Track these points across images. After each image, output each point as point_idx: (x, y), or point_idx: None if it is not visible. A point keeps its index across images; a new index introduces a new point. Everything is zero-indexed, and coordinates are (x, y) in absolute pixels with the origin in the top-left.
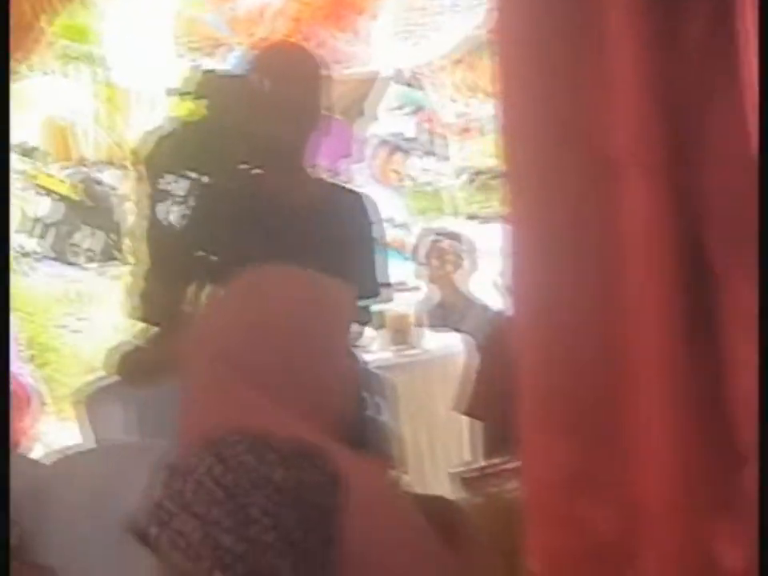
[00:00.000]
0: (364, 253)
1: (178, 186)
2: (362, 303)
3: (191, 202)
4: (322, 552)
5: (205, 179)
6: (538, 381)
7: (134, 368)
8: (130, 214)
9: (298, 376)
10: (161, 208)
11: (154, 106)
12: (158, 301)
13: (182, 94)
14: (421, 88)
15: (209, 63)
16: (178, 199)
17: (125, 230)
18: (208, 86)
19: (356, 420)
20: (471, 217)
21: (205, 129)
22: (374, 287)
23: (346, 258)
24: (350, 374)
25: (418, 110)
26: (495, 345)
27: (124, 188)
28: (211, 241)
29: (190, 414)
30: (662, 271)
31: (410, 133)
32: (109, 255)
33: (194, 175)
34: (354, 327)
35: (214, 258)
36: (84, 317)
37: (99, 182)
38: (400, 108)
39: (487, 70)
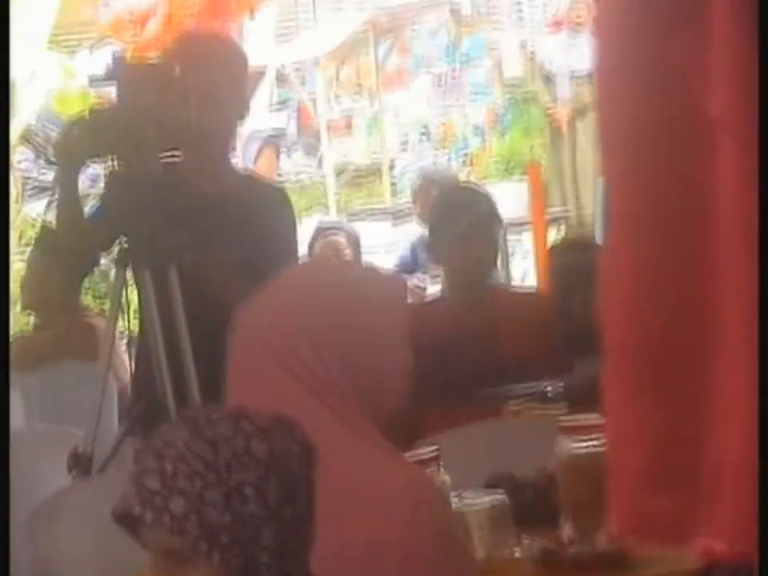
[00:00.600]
0: (287, 250)
1: (90, 173)
2: None
3: (103, 188)
4: (303, 520)
5: (117, 165)
6: (623, 337)
7: (17, 354)
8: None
9: (355, 369)
10: (72, 195)
11: (24, 94)
12: (45, 287)
13: (93, 80)
14: (302, 85)
15: (85, 57)
16: (88, 185)
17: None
18: (118, 71)
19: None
20: (345, 212)
21: (115, 115)
22: None
23: (268, 253)
24: (405, 367)
25: (299, 107)
26: None
27: None
28: (123, 228)
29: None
30: (752, 232)
31: (291, 130)
32: None
33: (106, 162)
34: None
35: (125, 246)
36: None
37: None
38: (280, 105)
39: (369, 67)
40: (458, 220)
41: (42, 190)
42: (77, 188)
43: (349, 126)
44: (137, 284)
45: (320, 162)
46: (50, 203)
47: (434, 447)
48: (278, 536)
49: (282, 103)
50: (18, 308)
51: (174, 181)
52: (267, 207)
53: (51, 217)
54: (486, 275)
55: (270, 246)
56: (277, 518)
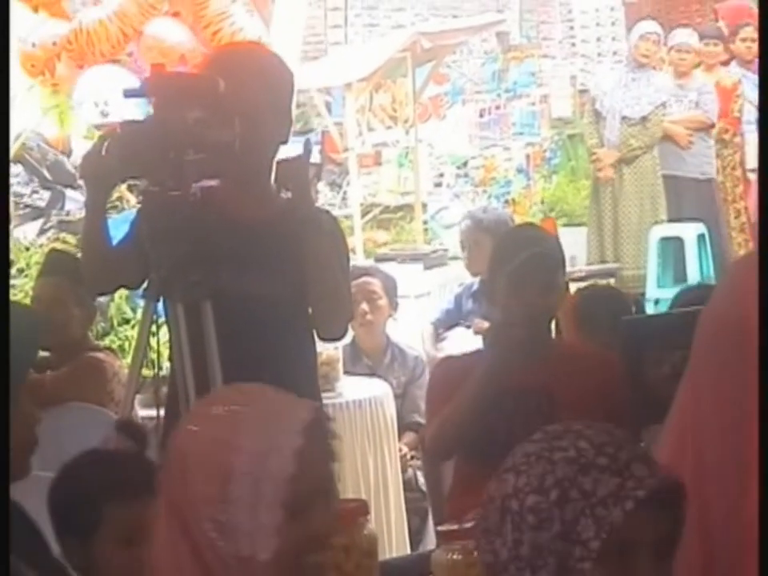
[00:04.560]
0: (341, 275)
1: (121, 195)
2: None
3: (134, 212)
4: None
5: (151, 187)
6: None
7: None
8: None
9: None
10: (99, 220)
11: (21, 107)
12: (56, 320)
13: (127, 93)
14: (329, 112)
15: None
16: (120, 209)
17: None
18: (155, 83)
19: None
20: (372, 255)
21: (151, 131)
22: (350, 311)
23: (321, 280)
24: None
25: (323, 136)
26: (416, 393)
27: None
28: (155, 259)
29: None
30: None
31: (313, 161)
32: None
33: (138, 183)
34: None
35: (154, 277)
36: None
37: None
38: (301, 132)
39: (405, 95)
40: (512, 260)
41: (34, 212)
42: (105, 212)
43: (378, 159)
44: (167, 320)
45: (344, 197)
46: (43, 228)
47: None
48: None
49: (304, 130)
50: None
51: (214, 206)
52: (321, 233)
53: (44, 241)
54: (542, 325)
55: (329, 275)
56: None
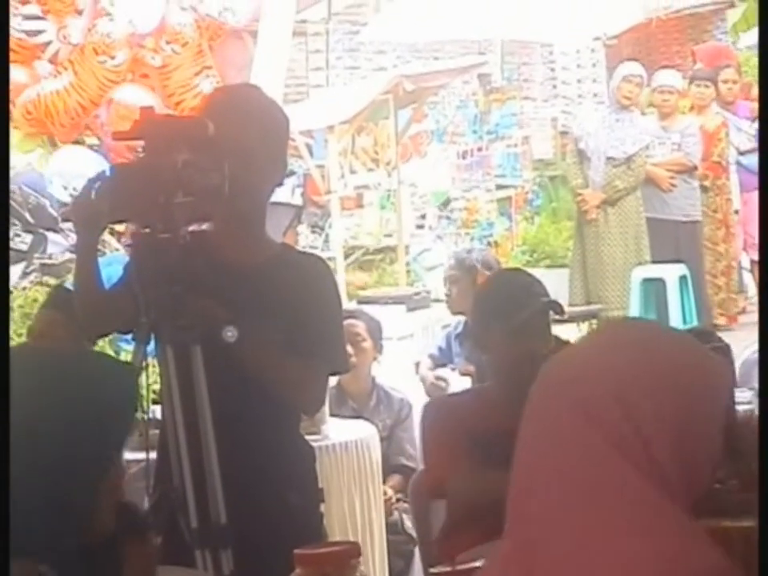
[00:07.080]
0: (332, 323)
1: (109, 238)
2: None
3: (116, 255)
4: None
5: (141, 230)
6: None
7: None
8: None
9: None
10: (90, 263)
11: None
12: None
13: (117, 135)
14: (311, 155)
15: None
16: (109, 252)
17: None
18: (145, 125)
19: None
20: (355, 298)
21: (141, 174)
22: (345, 362)
23: (311, 327)
24: (716, 458)
25: (305, 179)
26: (402, 435)
27: None
28: (145, 303)
29: None
30: None
31: (295, 203)
32: None
33: (128, 226)
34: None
35: (144, 320)
36: None
37: None
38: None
39: (387, 138)
40: (513, 311)
41: (16, 256)
42: (96, 255)
43: (360, 201)
44: (158, 363)
45: (326, 239)
46: (25, 271)
47: None
48: None
49: (289, 174)
50: None
51: (204, 249)
52: (308, 278)
53: (26, 284)
54: (538, 368)
55: (314, 322)
56: None
